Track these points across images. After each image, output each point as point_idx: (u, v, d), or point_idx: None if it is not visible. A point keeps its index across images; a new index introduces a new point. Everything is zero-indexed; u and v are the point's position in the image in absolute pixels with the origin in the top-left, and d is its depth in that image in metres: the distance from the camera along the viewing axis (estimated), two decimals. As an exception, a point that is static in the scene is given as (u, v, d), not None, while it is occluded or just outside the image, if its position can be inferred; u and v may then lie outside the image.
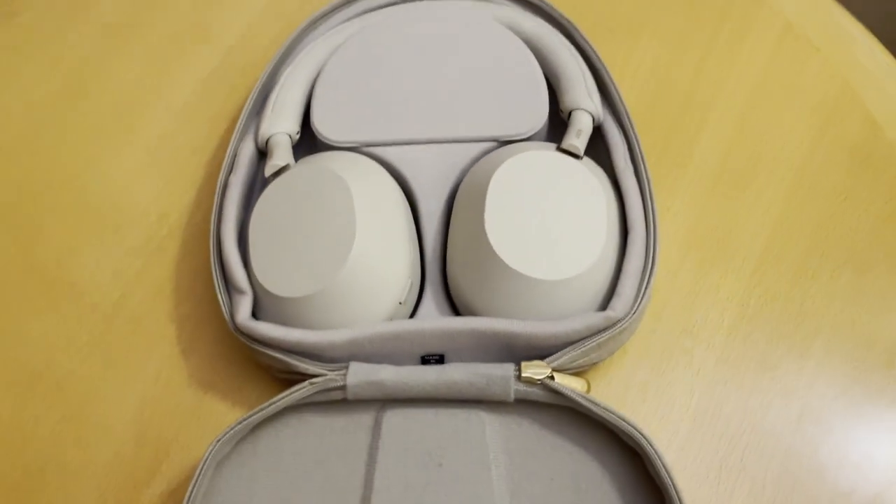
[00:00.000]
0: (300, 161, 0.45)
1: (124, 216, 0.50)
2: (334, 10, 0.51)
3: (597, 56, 0.48)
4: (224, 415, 0.43)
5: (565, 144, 0.42)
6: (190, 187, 0.51)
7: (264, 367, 0.43)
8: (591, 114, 0.45)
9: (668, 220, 0.48)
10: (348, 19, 0.51)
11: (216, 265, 0.43)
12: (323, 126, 0.46)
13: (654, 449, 0.36)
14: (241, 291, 0.41)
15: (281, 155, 0.44)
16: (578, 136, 0.43)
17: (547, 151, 0.42)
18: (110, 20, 0.58)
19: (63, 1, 0.59)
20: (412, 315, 0.42)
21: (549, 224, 0.40)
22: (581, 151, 0.42)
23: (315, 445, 0.40)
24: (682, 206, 0.48)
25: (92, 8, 0.58)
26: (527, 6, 0.51)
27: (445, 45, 0.48)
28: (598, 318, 0.39)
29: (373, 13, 0.51)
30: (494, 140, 0.45)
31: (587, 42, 0.48)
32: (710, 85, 0.53)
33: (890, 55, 0.54)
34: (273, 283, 0.40)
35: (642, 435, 0.36)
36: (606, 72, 0.47)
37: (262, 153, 0.47)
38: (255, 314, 0.42)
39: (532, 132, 0.45)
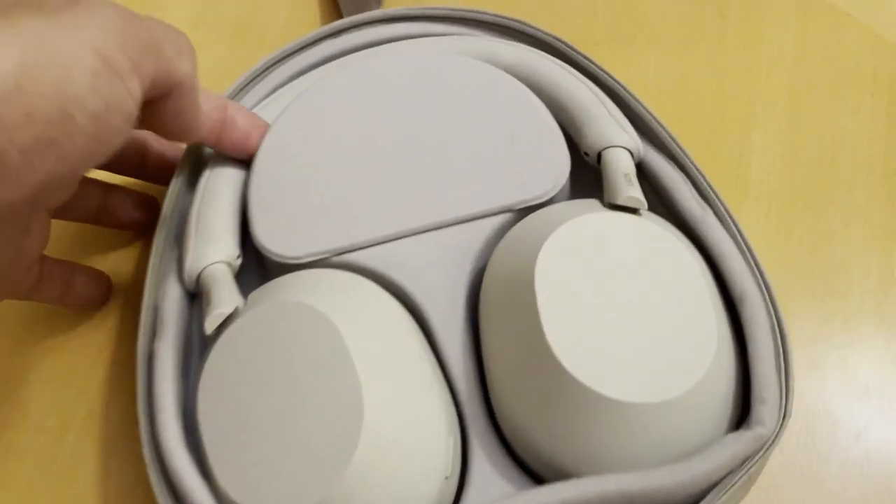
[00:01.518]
0: (251, 298, 0.31)
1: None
2: (257, 76, 0.38)
3: (608, 75, 0.36)
4: None
5: (620, 198, 0.30)
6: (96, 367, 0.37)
7: None
8: (629, 150, 0.33)
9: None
10: (278, 86, 0.39)
11: (159, 481, 0.29)
12: (271, 239, 0.33)
13: None
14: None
15: (223, 296, 0.30)
16: (630, 182, 0.31)
17: (596, 213, 0.29)
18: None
19: None
20: (462, 482, 0.29)
21: (631, 318, 0.27)
22: (644, 202, 0.30)
23: None
24: (758, 241, 0.37)
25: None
26: (498, 31, 0.39)
27: (418, 97, 0.35)
28: (744, 442, 0.26)
29: (314, 71, 0.38)
30: (508, 210, 0.33)
31: (590, 60, 0.36)
32: (736, 81, 0.42)
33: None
34: (252, 498, 0.26)
35: None
36: (627, 92, 0.35)
37: (194, 295, 0.33)
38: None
39: (555, 190, 0.33)
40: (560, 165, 0.33)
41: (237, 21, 0.46)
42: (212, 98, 0.32)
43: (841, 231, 0.37)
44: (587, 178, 0.34)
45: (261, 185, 0.34)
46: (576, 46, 0.37)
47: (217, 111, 0.32)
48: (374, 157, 0.34)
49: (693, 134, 0.40)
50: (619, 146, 0.33)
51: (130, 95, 0.24)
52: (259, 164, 0.34)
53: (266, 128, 0.35)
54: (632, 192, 0.30)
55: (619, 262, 0.28)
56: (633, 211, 0.30)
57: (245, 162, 0.35)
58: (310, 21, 0.46)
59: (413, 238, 0.33)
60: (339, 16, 0.44)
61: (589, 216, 0.29)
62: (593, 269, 0.28)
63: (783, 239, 0.37)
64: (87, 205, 0.36)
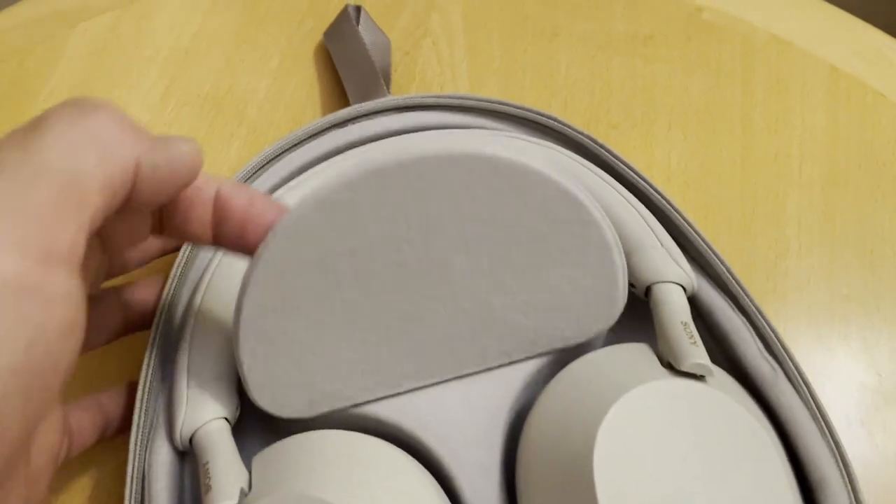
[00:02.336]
0: (256, 467, 0.27)
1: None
2: (255, 173, 0.34)
3: (655, 190, 0.32)
4: None
5: (685, 364, 0.26)
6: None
7: None
8: (683, 286, 0.30)
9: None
10: (276, 186, 0.34)
11: None
12: (270, 396, 0.28)
13: None
14: None
15: (224, 477, 0.26)
16: (691, 337, 0.27)
17: (661, 382, 0.26)
18: None
19: None
20: None
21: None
22: (712, 370, 0.26)
23: None
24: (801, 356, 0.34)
25: None
26: (523, 125, 0.35)
27: (444, 210, 0.27)
28: None
29: (317, 167, 0.34)
30: (549, 353, 0.29)
31: (636, 173, 0.33)
32: (766, 169, 0.38)
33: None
34: None
35: None
36: (678, 213, 0.32)
37: (184, 454, 0.29)
38: None
39: (604, 331, 0.29)
40: (615, 304, 0.29)
41: (211, 91, 0.41)
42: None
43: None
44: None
45: (253, 324, 0.28)
46: (618, 153, 0.33)
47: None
48: (391, 287, 0.28)
49: (723, 231, 0.37)
50: (672, 282, 0.29)
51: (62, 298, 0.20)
52: (250, 296, 0.28)
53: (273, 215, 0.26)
54: (697, 355, 0.26)
55: (688, 442, 0.25)
56: (699, 377, 0.27)
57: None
58: (295, 92, 0.41)
59: (438, 388, 0.29)
60: (344, 103, 0.39)
61: (653, 387, 0.26)
62: (658, 448, 0.25)
63: (829, 356, 0.34)
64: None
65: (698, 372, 0.26)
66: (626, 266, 0.28)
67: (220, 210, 0.26)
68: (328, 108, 0.40)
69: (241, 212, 0.26)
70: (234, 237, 0.26)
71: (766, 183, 0.38)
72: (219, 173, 0.38)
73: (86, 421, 0.29)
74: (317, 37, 0.43)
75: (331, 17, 0.42)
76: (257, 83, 0.41)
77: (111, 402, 0.30)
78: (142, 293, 0.31)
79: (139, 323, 0.31)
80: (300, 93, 0.41)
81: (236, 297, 0.27)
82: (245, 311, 0.26)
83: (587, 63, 0.41)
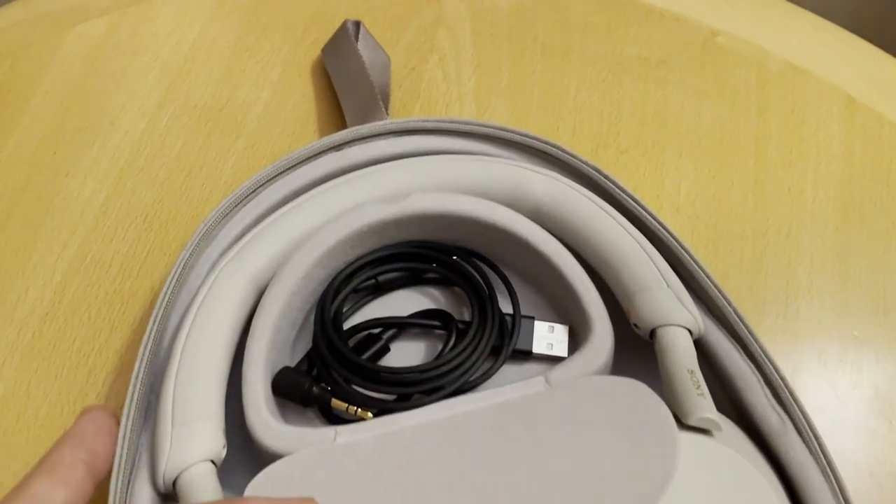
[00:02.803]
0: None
1: None
2: (249, 194, 0.33)
3: (662, 226, 0.31)
4: None
5: (692, 418, 0.25)
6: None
7: None
8: (689, 330, 0.28)
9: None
10: (271, 208, 0.33)
11: None
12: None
13: None
14: None
15: None
16: (698, 387, 0.26)
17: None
18: None
19: None
20: None
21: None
22: (720, 425, 0.25)
23: None
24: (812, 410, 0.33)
25: None
26: (524, 152, 0.34)
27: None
28: None
29: (312, 192, 0.33)
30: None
31: (642, 207, 0.31)
32: (779, 201, 0.37)
33: None
34: None
35: None
36: (686, 251, 0.31)
37: (168, 497, 0.27)
38: None
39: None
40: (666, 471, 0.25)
41: (209, 102, 0.40)
42: None
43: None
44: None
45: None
46: (624, 185, 0.32)
47: None
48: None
49: (733, 269, 0.36)
50: (679, 325, 0.28)
51: None
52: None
53: None
54: (704, 409, 0.25)
55: (694, 499, 0.24)
56: (706, 432, 0.25)
57: (237, 309, 0.29)
58: (296, 107, 0.40)
59: None
60: (342, 121, 0.38)
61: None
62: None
63: (839, 404, 0.33)
64: None
65: (705, 426, 0.25)
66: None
67: None
68: (328, 125, 0.39)
69: None
70: None
71: (779, 218, 0.37)
72: (214, 190, 0.37)
73: (77, 479, 0.28)
74: (320, 48, 0.41)
75: (335, 27, 0.41)
76: (257, 94, 0.40)
77: (97, 442, 0.28)
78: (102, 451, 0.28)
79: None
80: (301, 107, 0.40)
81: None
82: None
83: (597, 85, 0.40)
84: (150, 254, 0.36)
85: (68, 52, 0.41)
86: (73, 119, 0.39)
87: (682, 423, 0.25)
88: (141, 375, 0.28)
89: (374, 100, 0.36)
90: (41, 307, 0.35)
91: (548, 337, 0.31)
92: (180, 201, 0.37)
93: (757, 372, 0.28)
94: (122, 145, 0.39)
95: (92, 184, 0.38)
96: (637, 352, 0.30)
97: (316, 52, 0.41)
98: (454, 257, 0.32)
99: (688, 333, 0.28)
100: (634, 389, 0.27)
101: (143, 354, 0.28)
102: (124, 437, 0.27)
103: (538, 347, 0.31)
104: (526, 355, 0.31)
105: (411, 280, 0.33)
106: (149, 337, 0.29)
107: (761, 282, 0.35)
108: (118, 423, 0.28)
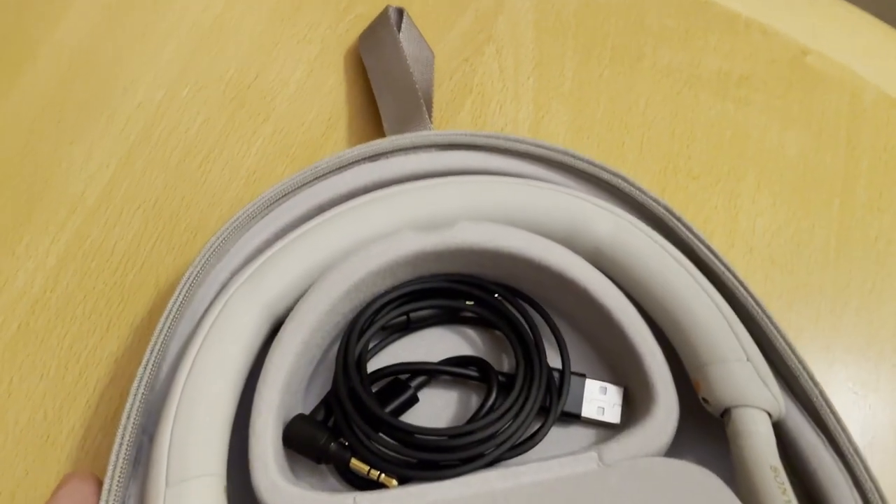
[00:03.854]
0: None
1: None
2: (267, 207, 0.28)
3: (749, 293, 0.27)
4: None
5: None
6: None
7: None
8: (769, 413, 0.25)
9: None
10: (292, 223, 0.29)
11: None
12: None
13: None
14: None
15: None
16: (787, 498, 0.22)
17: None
18: None
19: None
20: None
21: None
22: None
23: None
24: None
25: None
26: (584, 180, 0.30)
27: None
28: None
29: (339, 207, 0.28)
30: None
31: (725, 266, 0.27)
32: (864, 255, 0.33)
33: None
34: None
35: None
36: (772, 323, 0.26)
37: None
38: None
39: None
40: None
41: (236, 76, 0.36)
42: None
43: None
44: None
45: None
46: (698, 231, 0.28)
47: None
48: None
49: (807, 327, 0.32)
50: (758, 408, 0.24)
51: None
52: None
53: None
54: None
55: None
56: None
57: (248, 343, 0.25)
58: (333, 91, 0.35)
59: None
60: (377, 118, 0.33)
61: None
62: None
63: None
64: None
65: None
66: None
67: None
68: (363, 121, 0.35)
69: None
70: None
71: (863, 271, 0.33)
72: (234, 178, 0.33)
73: None
74: (364, 25, 0.37)
75: (380, 3, 0.37)
76: (290, 73, 0.36)
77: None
78: None
79: None
80: (339, 92, 0.35)
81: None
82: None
83: (671, 99, 0.36)
84: (156, 244, 0.32)
85: (86, 4, 0.37)
86: (83, 82, 0.35)
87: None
88: (133, 416, 0.24)
89: (416, 105, 0.31)
90: (30, 295, 0.31)
91: (599, 399, 0.27)
92: (195, 187, 0.33)
93: (845, 471, 0.24)
94: (135, 117, 0.34)
95: (98, 158, 0.34)
96: (700, 425, 0.26)
97: (359, 29, 0.37)
98: (496, 295, 0.28)
99: (767, 418, 0.24)
100: (705, 480, 0.23)
101: (137, 390, 0.24)
102: (109, 492, 0.23)
103: (588, 411, 0.27)
104: (573, 418, 0.27)
105: (446, 318, 0.29)
106: (144, 369, 0.25)
107: (838, 344, 0.32)
108: (101, 491, 0.24)
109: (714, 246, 0.27)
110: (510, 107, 0.36)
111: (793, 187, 0.34)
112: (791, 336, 0.28)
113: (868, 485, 0.24)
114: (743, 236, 0.33)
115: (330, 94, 0.35)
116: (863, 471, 0.24)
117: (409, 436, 0.25)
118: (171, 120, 0.35)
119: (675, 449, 0.25)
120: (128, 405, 0.24)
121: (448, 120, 0.35)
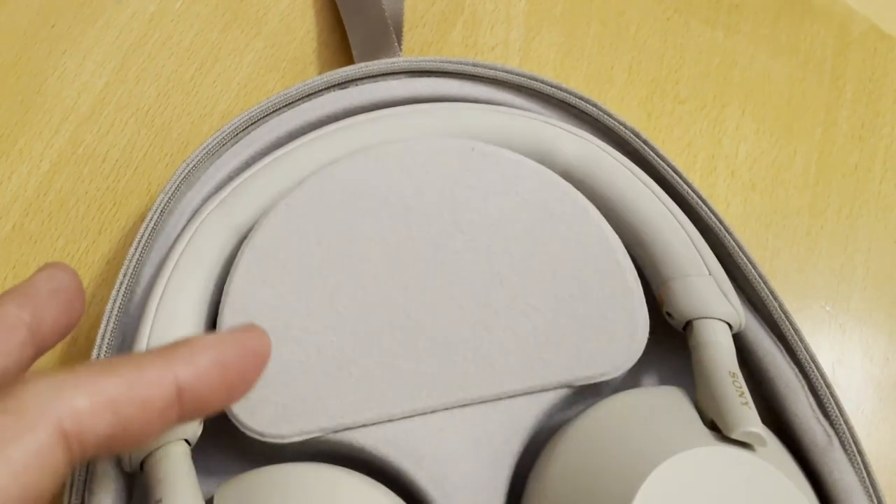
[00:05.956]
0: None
1: None
2: (236, 134, 0.29)
3: (710, 211, 0.28)
4: None
5: (735, 432, 0.22)
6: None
7: None
8: (729, 324, 0.25)
9: None
10: (261, 152, 0.29)
11: None
12: (249, 412, 0.24)
13: None
14: None
15: None
16: (741, 395, 0.23)
17: (705, 449, 0.22)
18: None
19: None
20: None
21: None
22: (765, 440, 0.22)
23: None
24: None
25: None
26: (557, 107, 0.30)
27: (450, 217, 0.26)
28: None
29: (309, 135, 0.29)
30: (564, 386, 0.25)
31: (689, 186, 0.28)
32: (845, 180, 0.34)
33: None
34: None
35: None
36: (733, 239, 0.27)
37: (134, 476, 0.24)
38: None
39: (628, 366, 0.25)
40: (637, 336, 0.25)
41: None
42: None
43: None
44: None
45: (235, 312, 0.25)
46: (665, 155, 0.28)
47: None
48: (386, 301, 0.25)
49: (784, 247, 0.33)
50: (719, 319, 0.25)
51: None
52: (230, 305, 0.25)
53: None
54: (750, 422, 0.22)
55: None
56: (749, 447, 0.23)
57: (220, 266, 0.26)
58: (324, 6, 0.36)
59: (436, 416, 0.25)
60: (349, 57, 0.34)
61: (697, 454, 0.22)
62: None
63: (881, 405, 0.31)
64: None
65: (750, 441, 0.22)
66: (642, 295, 0.26)
67: (191, 402, 0.18)
68: (344, 48, 0.35)
69: (219, 396, 0.19)
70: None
71: (841, 197, 0.34)
72: (225, 90, 0.33)
73: (16, 343, 0.20)
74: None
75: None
76: (282, -11, 0.36)
77: (51, 305, 0.21)
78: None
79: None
80: (329, 9, 0.36)
81: (219, 302, 0.25)
82: (226, 317, 0.25)
83: (661, 24, 0.36)
84: (148, 152, 0.33)
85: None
86: (77, -10, 0.35)
87: (720, 433, 0.23)
88: (107, 337, 0.25)
89: (385, 31, 0.32)
90: (24, 197, 0.32)
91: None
92: (187, 98, 0.34)
93: (802, 378, 0.25)
94: (129, 27, 0.35)
95: (91, 66, 0.34)
96: (664, 340, 0.27)
97: (354, -53, 0.37)
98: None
99: (727, 328, 0.25)
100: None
101: (111, 312, 0.25)
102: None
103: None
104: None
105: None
106: (117, 292, 0.25)
107: (812, 265, 0.32)
108: (82, 289, 0.22)
109: (678, 166, 0.28)
110: (501, 28, 0.36)
111: (777, 115, 0.35)
112: (768, 256, 0.28)
113: (823, 390, 0.25)
114: (725, 160, 0.34)
115: (321, 11, 0.36)
116: (818, 377, 0.25)
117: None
118: (164, 31, 0.35)
119: (643, 365, 0.26)
120: (102, 327, 0.25)
121: (439, 40, 0.35)
